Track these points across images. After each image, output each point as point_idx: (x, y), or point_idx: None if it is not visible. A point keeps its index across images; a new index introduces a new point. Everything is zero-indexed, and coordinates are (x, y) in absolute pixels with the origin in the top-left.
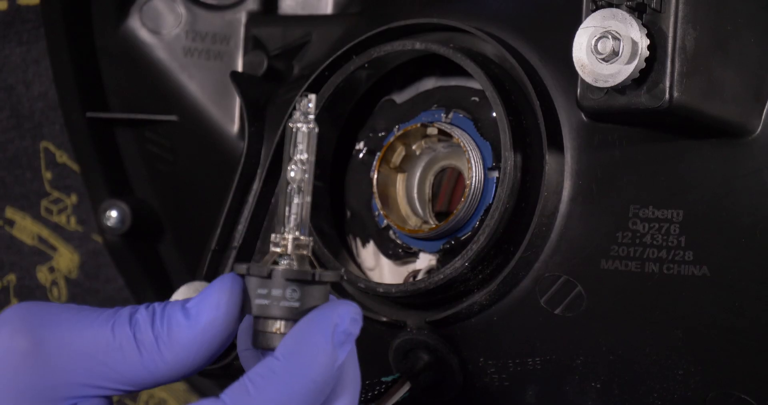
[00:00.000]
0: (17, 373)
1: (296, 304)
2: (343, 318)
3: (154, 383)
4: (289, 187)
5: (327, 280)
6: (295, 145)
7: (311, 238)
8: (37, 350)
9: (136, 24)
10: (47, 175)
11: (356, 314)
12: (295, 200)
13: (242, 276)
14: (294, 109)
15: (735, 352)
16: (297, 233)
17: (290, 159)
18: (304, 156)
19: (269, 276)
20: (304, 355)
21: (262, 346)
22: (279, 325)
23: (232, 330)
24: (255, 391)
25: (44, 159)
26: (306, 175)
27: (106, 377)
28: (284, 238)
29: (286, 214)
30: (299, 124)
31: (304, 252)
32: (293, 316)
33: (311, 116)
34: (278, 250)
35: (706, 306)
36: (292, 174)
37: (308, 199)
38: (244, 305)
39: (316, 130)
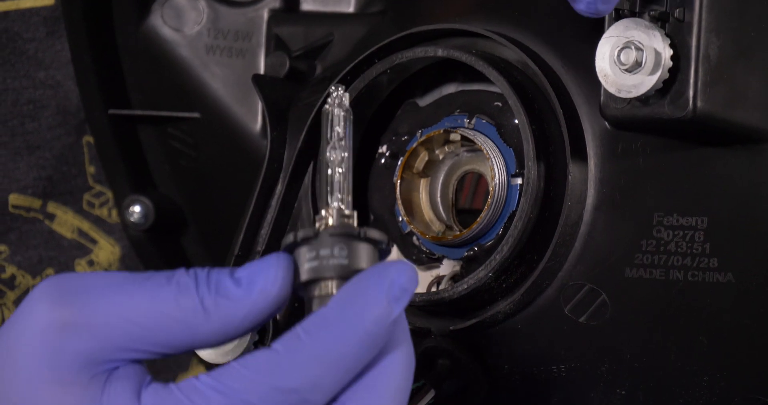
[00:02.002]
0: (57, 342)
1: (345, 261)
2: (400, 274)
3: (192, 347)
4: (330, 169)
5: (373, 237)
6: (332, 128)
7: (355, 212)
8: (76, 318)
9: (157, 21)
10: (90, 169)
11: (412, 272)
12: (336, 177)
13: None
14: (327, 97)
15: (760, 357)
16: (341, 205)
17: (328, 141)
18: (342, 136)
19: (316, 235)
20: (358, 306)
21: (315, 310)
22: (330, 286)
23: (281, 303)
24: (308, 339)
25: (87, 153)
26: (345, 154)
27: (145, 342)
28: (328, 212)
29: (328, 190)
30: (336, 110)
31: (350, 221)
32: (344, 274)
33: (346, 102)
34: (321, 223)
35: (731, 312)
36: (332, 156)
37: (349, 176)
38: (295, 281)
39: (351, 115)
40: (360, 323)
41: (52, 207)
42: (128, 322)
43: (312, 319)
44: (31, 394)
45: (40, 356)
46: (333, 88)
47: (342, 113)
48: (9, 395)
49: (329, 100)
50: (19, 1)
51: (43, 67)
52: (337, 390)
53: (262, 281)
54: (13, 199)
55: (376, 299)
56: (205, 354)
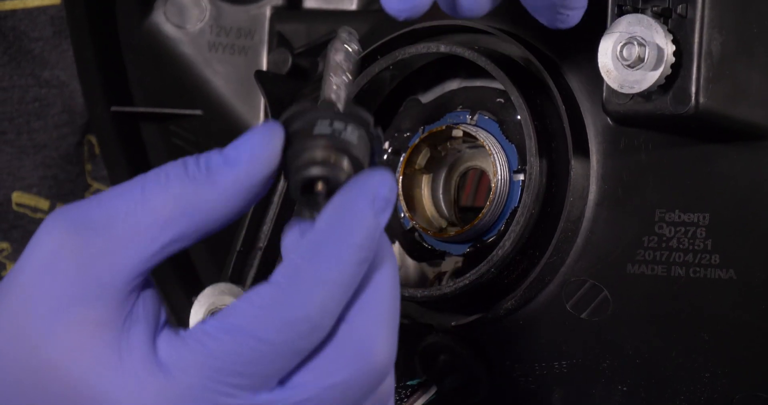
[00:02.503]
0: (72, 272)
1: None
2: (382, 184)
3: (208, 223)
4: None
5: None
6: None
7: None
8: (90, 240)
9: (160, 18)
10: (88, 167)
11: (392, 180)
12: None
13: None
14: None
15: (762, 354)
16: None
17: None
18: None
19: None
20: (347, 223)
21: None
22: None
23: (272, 169)
24: (306, 266)
25: (87, 151)
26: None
27: (160, 235)
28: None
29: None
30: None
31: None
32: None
33: (355, 46)
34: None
35: (733, 309)
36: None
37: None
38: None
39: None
40: (352, 240)
41: (58, 207)
42: (126, 227)
43: (304, 244)
44: (51, 331)
45: (57, 289)
46: (341, 30)
47: (346, 48)
48: (28, 335)
49: (336, 43)
50: None
51: (48, 66)
52: (341, 310)
53: (248, 149)
54: (17, 196)
55: (363, 214)
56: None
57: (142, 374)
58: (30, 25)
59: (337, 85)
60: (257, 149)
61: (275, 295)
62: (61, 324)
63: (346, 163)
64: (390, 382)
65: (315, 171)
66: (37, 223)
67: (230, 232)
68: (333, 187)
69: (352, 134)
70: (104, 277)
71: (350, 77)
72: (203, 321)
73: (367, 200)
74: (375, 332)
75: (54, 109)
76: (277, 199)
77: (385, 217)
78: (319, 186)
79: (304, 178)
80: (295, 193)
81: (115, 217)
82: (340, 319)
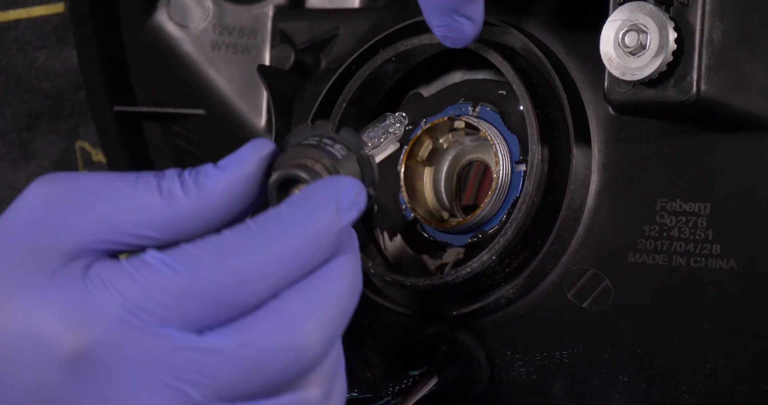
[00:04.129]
0: (40, 228)
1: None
2: (349, 187)
3: (174, 232)
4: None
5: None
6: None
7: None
8: (64, 207)
9: (163, 18)
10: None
11: (361, 188)
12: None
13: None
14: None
15: (763, 345)
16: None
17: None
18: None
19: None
20: (308, 208)
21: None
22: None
23: (260, 183)
24: (256, 229)
25: (81, 158)
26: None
27: (126, 225)
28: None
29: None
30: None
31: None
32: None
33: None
34: None
35: (734, 299)
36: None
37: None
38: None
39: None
40: (308, 222)
41: None
42: (107, 205)
43: (264, 214)
44: (8, 275)
45: (23, 237)
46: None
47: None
48: None
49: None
50: (31, 9)
51: (50, 77)
52: (280, 283)
53: (237, 162)
54: None
55: (326, 204)
56: None
57: (67, 292)
58: (34, 35)
59: (374, 136)
60: (244, 155)
61: (218, 244)
62: (18, 269)
63: (324, 171)
64: (326, 379)
65: (290, 171)
66: None
67: None
68: None
69: (338, 151)
70: (66, 246)
71: (383, 141)
72: (144, 252)
73: (331, 195)
74: (306, 317)
75: (41, 120)
76: None
77: (348, 217)
78: (297, 188)
79: (279, 176)
80: (270, 194)
81: (85, 195)
82: (277, 295)
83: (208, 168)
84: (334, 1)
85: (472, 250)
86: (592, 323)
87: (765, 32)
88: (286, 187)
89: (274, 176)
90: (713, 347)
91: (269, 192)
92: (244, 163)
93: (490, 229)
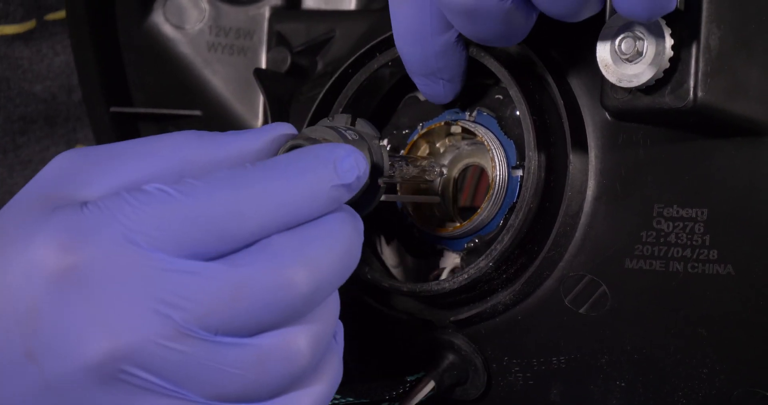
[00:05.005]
0: (49, 183)
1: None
2: (351, 154)
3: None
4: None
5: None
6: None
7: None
8: (73, 164)
9: (159, 19)
10: None
11: (362, 158)
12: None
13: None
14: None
15: (760, 350)
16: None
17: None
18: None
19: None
20: (305, 160)
21: None
22: None
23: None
24: (253, 170)
25: None
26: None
27: (137, 176)
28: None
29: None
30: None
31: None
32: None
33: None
34: None
35: (731, 304)
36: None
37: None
38: None
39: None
40: (302, 172)
41: None
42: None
43: (266, 161)
44: (15, 218)
45: (41, 189)
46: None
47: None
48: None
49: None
50: (3, 27)
51: (39, 79)
52: (271, 224)
53: (254, 131)
54: None
55: (323, 161)
56: None
57: (63, 219)
58: (10, 47)
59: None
60: (262, 130)
61: (214, 176)
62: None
63: None
64: (315, 334)
65: (299, 141)
66: None
67: None
68: None
69: (351, 135)
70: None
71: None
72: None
73: (330, 155)
74: (293, 254)
75: (36, 124)
76: None
77: (347, 177)
78: None
79: (290, 145)
80: None
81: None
82: (268, 236)
83: (226, 133)
84: (330, 2)
85: (469, 256)
86: (589, 329)
87: (762, 38)
88: None
89: (285, 145)
90: (710, 352)
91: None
92: (261, 133)
93: (487, 235)
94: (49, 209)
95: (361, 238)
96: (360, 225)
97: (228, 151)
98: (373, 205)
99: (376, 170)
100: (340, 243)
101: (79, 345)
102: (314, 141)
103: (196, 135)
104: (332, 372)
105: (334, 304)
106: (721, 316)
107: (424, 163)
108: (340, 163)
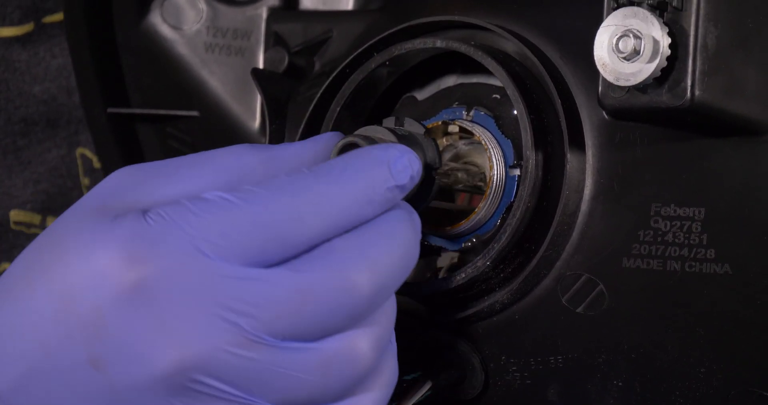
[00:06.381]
0: (104, 196)
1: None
2: (402, 154)
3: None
4: None
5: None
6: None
7: None
8: (129, 179)
9: (157, 19)
10: (85, 181)
11: (415, 157)
12: None
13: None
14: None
15: (757, 349)
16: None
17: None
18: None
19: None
20: (361, 163)
21: None
22: None
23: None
24: (312, 175)
25: (81, 165)
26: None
27: (192, 185)
28: None
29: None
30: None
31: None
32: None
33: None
34: None
35: (729, 304)
36: None
37: None
38: None
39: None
40: (359, 174)
41: (51, 221)
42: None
43: (322, 165)
44: (73, 227)
45: (96, 201)
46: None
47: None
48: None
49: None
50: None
51: (38, 81)
52: (331, 227)
53: (311, 139)
54: (14, 215)
55: (378, 162)
56: None
57: (126, 229)
58: (8, 50)
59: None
60: (318, 137)
61: (273, 183)
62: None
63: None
64: (376, 335)
65: (353, 138)
66: (32, 238)
67: None
68: None
69: (402, 131)
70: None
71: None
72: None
73: (384, 156)
74: (355, 257)
75: (38, 126)
76: None
77: (401, 178)
78: None
79: (343, 143)
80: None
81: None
82: (329, 240)
83: (279, 144)
84: (328, 2)
85: (466, 255)
86: (587, 328)
87: (759, 37)
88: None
89: (337, 144)
90: (708, 351)
91: (332, 156)
92: (315, 141)
93: (484, 234)
94: (110, 218)
95: (419, 236)
96: (417, 222)
97: (284, 159)
98: (429, 200)
99: (429, 165)
100: (398, 243)
101: (149, 356)
102: (368, 139)
103: (250, 146)
104: (390, 373)
105: (391, 305)
106: (719, 315)
107: (474, 168)
108: (393, 163)
